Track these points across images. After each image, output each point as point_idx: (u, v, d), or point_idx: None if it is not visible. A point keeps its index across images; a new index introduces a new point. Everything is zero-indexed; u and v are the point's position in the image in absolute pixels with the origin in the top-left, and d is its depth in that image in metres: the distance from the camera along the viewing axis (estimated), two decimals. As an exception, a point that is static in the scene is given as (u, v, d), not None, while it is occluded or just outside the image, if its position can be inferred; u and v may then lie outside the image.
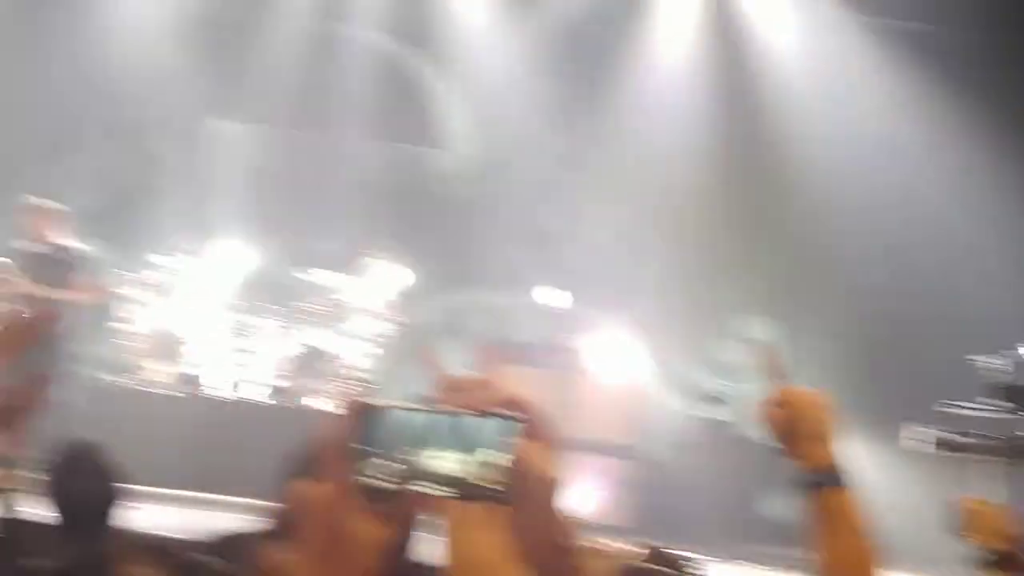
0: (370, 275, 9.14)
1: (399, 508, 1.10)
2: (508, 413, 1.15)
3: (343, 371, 8.62)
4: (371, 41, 11.29)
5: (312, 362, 8.65)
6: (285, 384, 8.52)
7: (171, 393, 8.37)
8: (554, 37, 10.94)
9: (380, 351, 8.95)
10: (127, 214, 11.04)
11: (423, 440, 1.09)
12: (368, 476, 1.09)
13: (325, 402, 8.45)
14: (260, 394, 8.52)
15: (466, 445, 1.08)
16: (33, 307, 6.81)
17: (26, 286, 7.03)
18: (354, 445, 1.09)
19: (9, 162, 11.03)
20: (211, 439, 7.78)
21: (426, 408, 1.10)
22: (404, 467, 1.12)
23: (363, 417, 1.12)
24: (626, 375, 9.33)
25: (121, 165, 11.35)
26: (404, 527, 1.13)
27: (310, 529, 1.10)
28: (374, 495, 1.12)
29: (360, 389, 8.59)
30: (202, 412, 8.10)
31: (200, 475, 7.35)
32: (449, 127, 11.49)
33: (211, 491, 6.99)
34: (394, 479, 1.09)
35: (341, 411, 1.13)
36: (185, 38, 10.94)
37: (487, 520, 1.09)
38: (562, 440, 1.24)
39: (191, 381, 8.42)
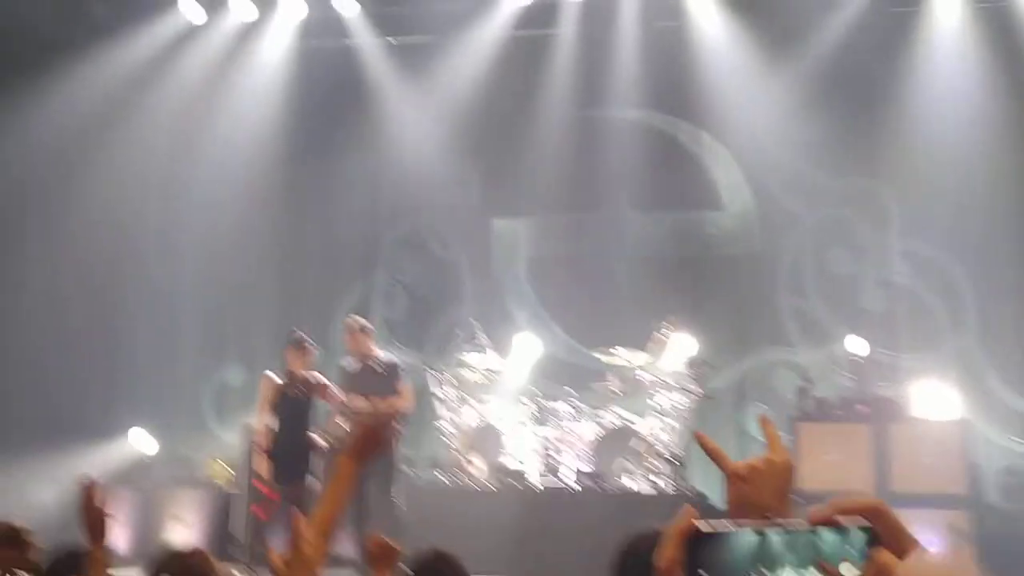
0: (665, 348, 9.07)
1: None
2: (861, 523, 1.05)
3: (650, 448, 8.56)
4: (632, 118, 11.42)
5: (617, 442, 8.67)
6: (593, 468, 8.59)
7: (489, 487, 8.67)
8: (817, 74, 10.56)
9: (683, 424, 8.82)
10: (431, 318, 11.73)
11: (769, 560, 1.02)
12: None
13: (635, 482, 8.43)
14: (570, 479, 8.63)
15: (818, 560, 1.00)
16: (369, 421, 7.30)
17: (359, 401, 7.57)
18: (692, 571, 1.02)
19: (322, 282, 12.10)
20: (529, 528, 7.94)
21: (769, 527, 1.02)
22: None
23: (698, 541, 1.06)
24: (947, 419, 8.64)
25: (418, 273, 12.09)
26: None
27: None
28: None
29: (672, 465, 8.50)
30: (519, 502, 8.30)
31: (525, 565, 7.53)
32: (723, 186, 11.35)
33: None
34: None
35: (673, 536, 1.07)
36: (459, 143, 11.57)
37: None
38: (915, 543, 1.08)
39: (506, 472, 8.68)
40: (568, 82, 11.43)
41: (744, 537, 1.02)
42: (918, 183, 10.39)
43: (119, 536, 9.10)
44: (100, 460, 10.64)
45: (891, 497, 8.17)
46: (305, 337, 7.84)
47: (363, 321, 8.41)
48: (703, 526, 1.04)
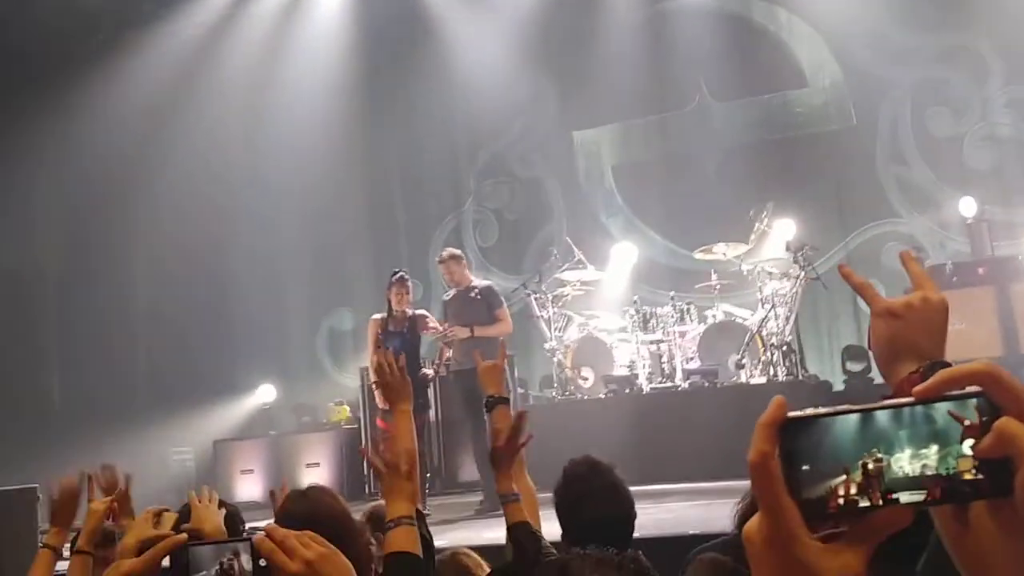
0: (766, 236, 8.86)
1: (863, 532, 0.96)
2: (973, 390, 0.89)
3: (760, 339, 8.42)
4: (703, 6, 11.06)
5: (726, 337, 8.55)
6: (702, 365, 8.50)
7: (600, 396, 8.69)
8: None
9: (793, 311, 8.64)
10: (524, 242, 11.72)
11: (879, 442, 0.93)
12: (819, 497, 0.92)
13: (749, 374, 8.33)
14: (680, 379, 8.57)
15: (933, 437, 0.88)
16: (470, 348, 7.35)
17: (460, 330, 7.63)
18: (790, 464, 0.93)
19: (414, 221, 12.21)
20: (645, 431, 7.93)
21: (872, 406, 0.89)
22: (861, 480, 0.90)
23: (793, 430, 0.92)
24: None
25: (505, 198, 12.06)
26: (869, 553, 0.91)
27: (763, 571, 0.91)
28: (827, 521, 0.91)
29: (785, 353, 8.35)
30: (632, 408, 8.29)
31: (644, 468, 7.52)
32: (806, 62, 10.93)
33: (656, 482, 7.10)
34: (855, 496, 0.91)
35: (764, 427, 0.92)
36: (529, 60, 11.40)
37: (999, 519, 0.87)
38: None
39: (616, 380, 8.68)
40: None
41: (846, 420, 0.91)
42: (1016, 28, 9.81)
43: (254, 484, 9.47)
44: (230, 415, 11.07)
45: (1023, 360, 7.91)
46: (405, 275, 7.90)
47: (453, 250, 8.43)
48: (797, 413, 0.92)
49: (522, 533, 2.67)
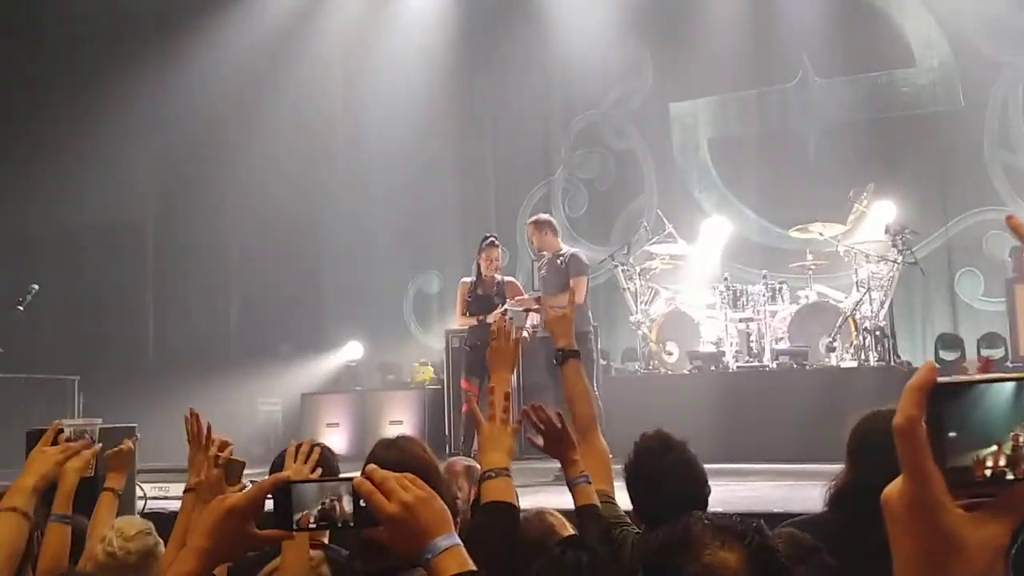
0: (864, 218, 8.66)
1: (1010, 504, 0.88)
2: None
3: (853, 322, 8.25)
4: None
5: (818, 318, 8.41)
6: (791, 345, 8.38)
7: (685, 372, 8.64)
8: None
9: (888, 295, 8.45)
10: (613, 213, 11.67)
11: None
12: (965, 466, 0.90)
13: (839, 357, 8.18)
14: (770, 359, 8.46)
15: None
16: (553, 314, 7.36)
17: (548, 299, 7.63)
18: (938, 431, 0.91)
19: (504, 187, 12.23)
20: (727, 409, 7.86)
21: None
22: (1011, 451, 0.87)
23: (943, 396, 0.89)
24: None
25: (597, 168, 12.00)
26: (1014, 526, 0.88)
27: (904, 538, 0.90)
28: (971, 490, 0.89)
29: (878, 338, 8.19)
30: (716, 385, 8.22)
31: (727, 447, 7.47)
32: (915, 41, 10.61)
33: (740, 461, 7.04)
34: (1004, 468, 0.88)
35: (913, 391, 0.89)
36: (627, 30, 11.29)
37: None
38: None
39: (701, 356, 8.61)
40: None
41: (1000, 389, 0.88)
42: None
43: (340, 437, 9.66)
44: (318, 370, 11.29)
45: None
46: (495, 240, 7.92)
47: (544, 216, 8.42)
48: (949, 379, 0.90)
49: (587, 517, 2.62)
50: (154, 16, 12.10)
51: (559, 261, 7.86)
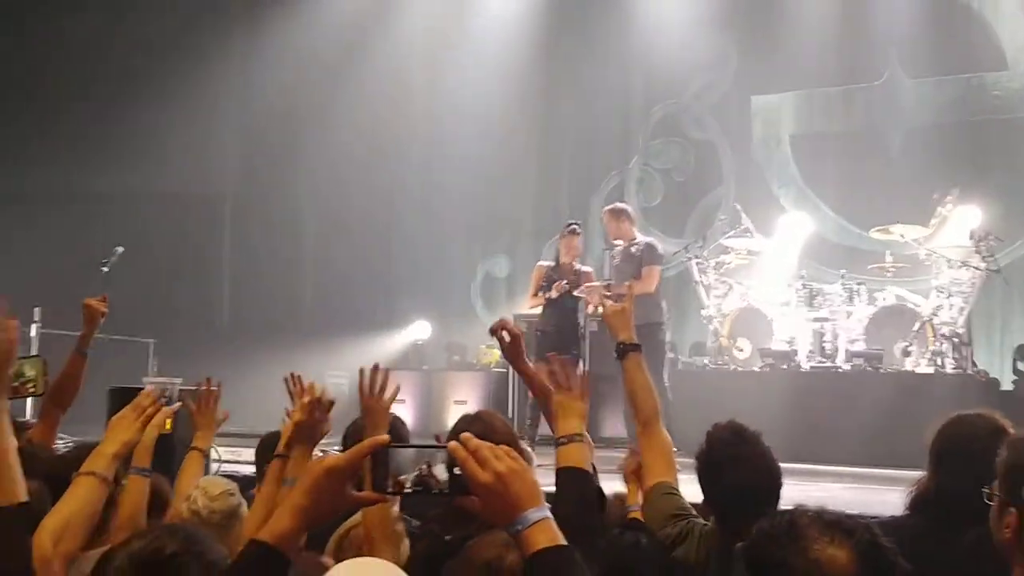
0: (947, 222, 8.46)
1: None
2: None
3: (931, 328, 8.08)
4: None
5: (895, 322, 8.25)
6: (866, 348, 8.23)
7: (755, 369, 8.55)
8: None
9: (968, 302, 8.26)
10: (689, 204, 11.57)
11: None
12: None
13: (916, 363, 8.02)
14: (844, 361, 8.33)
15: None
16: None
17: (597, 289, 7.60)
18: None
19: (579, 174, 12.20)
20: (797, 408, 7.75)
21: None
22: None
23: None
24: None
25: (674, 159, 11.90)
26: None
27: None
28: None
29: (955, 345, 8.01)
30: (787, 384, 8.11)
31: (794, 444, 7.37)
32: (1008, 44, 10.32)
33: (809, 461, 6.94)
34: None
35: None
36: (712, 18, 11.16)
37: None
38: None
39: (773, 354, 8.50)
40: (830, -56, 10.68)
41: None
42: None
43: (406, 414, 9.75)
44: (385, 348, 11.40)
45: None
46: (577, 228, 7.92)
47: (621, 204, 8.41)
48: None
49: (569, 477, 2.51)
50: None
51: (633, 249, 7.83)
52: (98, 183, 11.73)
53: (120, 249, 8.21)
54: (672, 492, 2.95)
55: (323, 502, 1.53)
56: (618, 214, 8.07)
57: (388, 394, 2.79)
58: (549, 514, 1.50)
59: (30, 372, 2.96)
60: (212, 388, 3.55)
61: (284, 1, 11.98)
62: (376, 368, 2.82)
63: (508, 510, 1.47)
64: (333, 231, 12.48)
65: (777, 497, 2.74)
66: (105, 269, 8.01)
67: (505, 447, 1.53)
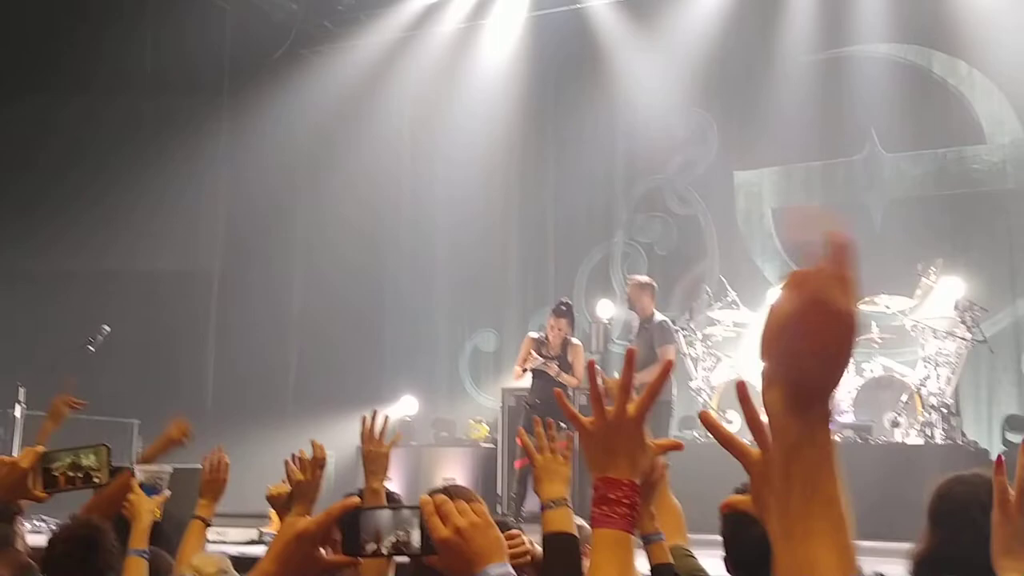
0: (931, 293, 8.54)
1: None
2: None
3: (919, 399, 8.10)
4: (879, 53, 10.80)
5: (883, 393, 8.27)
6: (855, 419, 8.23)
7: (746, 442, 8.49)
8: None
9: (954, 372, 8.29)
10: (673, 278, 11.63)
11: None
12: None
13: (904, 433, 8.02)
14: (834, 432, 8.30)
15: None
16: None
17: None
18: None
19: (563, 248, 12.27)
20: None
21: None
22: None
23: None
24: None
25: (658, 233, 12.00)
26: None
27: None
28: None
29: (944, 415, 8.02)
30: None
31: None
32: (985, 118, 10.53)
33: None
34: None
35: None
36: (694, 96, 11.36)
37: None
38: None
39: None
40: (807, 23, 10.94)
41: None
42: None
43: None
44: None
45: None
46: (563, 307, 8.01)
47: (646, 279, 8.54)
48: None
49: (556, 542, 2.45)
50: (229, 70, 12.44)
51: (647, 326, 7.98)
52: (83, 261, 11.71)
53: (107, 328, 8.18)
54: (687, 554, 2.92)
55: (292, 566, 1.50)
56: (643, 287, 8.25)
57: (388, 440, 2.84)
58: (511, 571, 1.49)
59: (87, 462, 2.77)
60: (223, 456, 3.54)
61: (271, 75, 12.12)
62: (376, 413, 2.88)
63: (468, 565, 1.46)
64: (319, 307, 12.47)
65: None
66: (91, 349, 7.96)
67: (475, 505, 1.52)
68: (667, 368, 1.79)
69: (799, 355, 1.05)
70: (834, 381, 1.07)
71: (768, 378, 1.09)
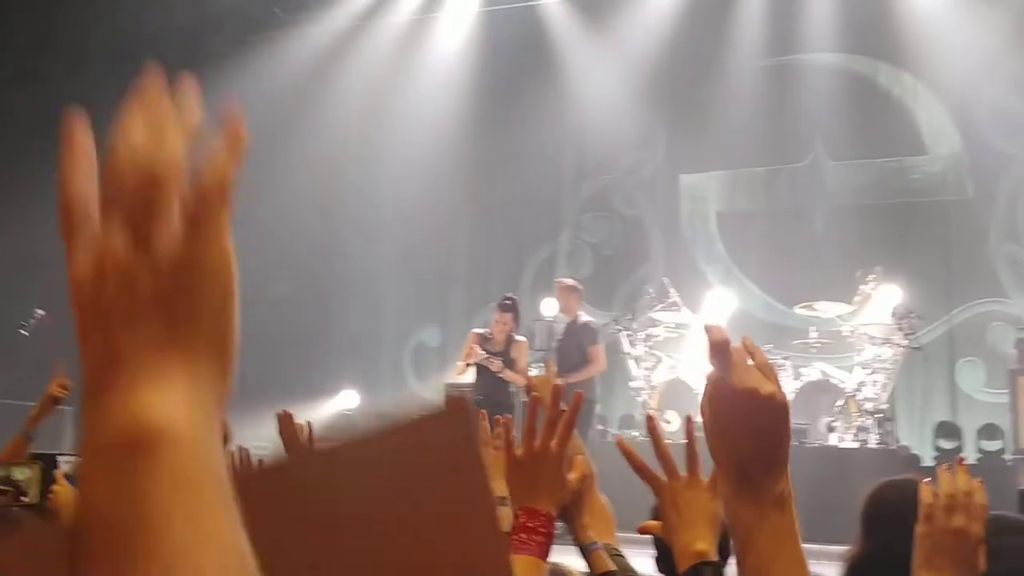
0: (869, 300, 8.69)
1: None
2: None
3: (854, 403, 8.24)
4: (826, 62, 10.96)
5: (819, 397, 8.39)
6: (792, 422, 8.34)
7: (683, 441, 8.57)
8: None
9: (890, 378, 8.44)
10: (617, 278, 11.70)
11: None
12: None
13: (840, 438, 8.15)
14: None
15: None
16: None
17: (550, 366, 7.71)
18: None
19: (510, 245, 12.27)
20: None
21: None
22: None
23: None
24: None
25: (604, 233, 12.06)
26: None
27: None
28: None
29: (878, 420, 8.16)
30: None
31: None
32: (927, 129, 10.74)
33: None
34: None
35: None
36: (644, 99, 11.42)
37: None
38: None
39: (701, 428, 8.56)
40: (756, 29, 11.06)
41: None
42: None
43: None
44: (310, 417, 11.19)
45: None
46: (508, 303, 8.01)
47: (573, 282, 8.60)
48: None
49: None
50: (176, 54, 12.23)
51: (576, 326, 8.04)
52: (26, 244, 11.42)
53: (41, 312, 8.00)
54: (617, 554, 2.91)
55: None
56: (571, 290, 8.33)
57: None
58: None
59: (20, 476, 2.55)
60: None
61: (217, 61, 11.93)
62: (288, 414, 2.76)
63: None
64: (261, 299, 12.31)
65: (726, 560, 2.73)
66: (24, 332, 7.78)
67: None
68: (578, 402, 1.83)
69: (738, 443, 1.12)
70: (776, 462, 1.13)
71: (718, 470, 1.16)
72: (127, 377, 0.55)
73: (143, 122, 0.58)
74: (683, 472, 1.79)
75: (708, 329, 1.08)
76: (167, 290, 0.57)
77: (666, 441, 1.86)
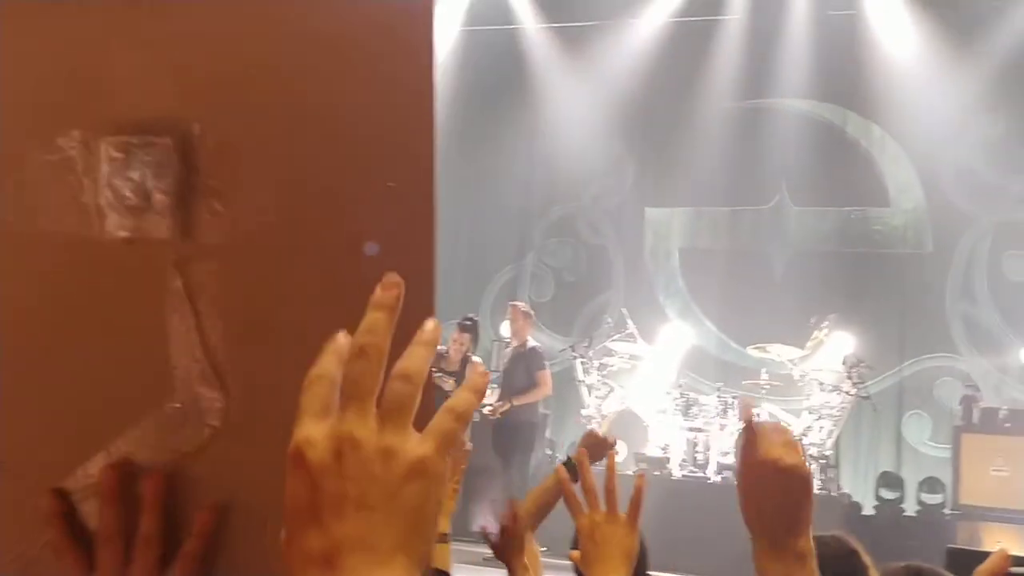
0: (822, 346, 8.77)
1: None
2: None
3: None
4: (798, 108, 11.09)
5: (765, 438, 8.43)
6: (735, 461, 8.38)
7: (629, 472, 8.58)
8: (999, 69, 9.99)
9: (836, 425, 8.51)
10: (578, 304, 11.71)
11: None
12: None
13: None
14: (711, 471, 8.46)
15: None
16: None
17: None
18: None
19: (474, 265, 12.25)
20: (668, 518, 7.79)
21: None
22: None
23: None
24: None
25: (567, 259, 12.08)
26: None
27: None
28: None
29: (821, 466, 8.22)
30: (658, 490, 8.15)
31: (658, 554, 7.37)
32: (892, 182, 10.88)
33: (671, 571, 6.96)
34: None
35: None
36: (617, 130, 11.48)
37: None
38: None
39: (646, 459, 8.58)
40: (732, 71, 11.16)
41: None
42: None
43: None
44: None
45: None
46: (467, 323, 8.04)
47: (526, 306, 8.65)
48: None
49: None
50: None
51: (523, 351, 8.06)
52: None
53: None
54: None
55: None
56: (524, 315, 8.37)
57: None
58: None
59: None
60: None
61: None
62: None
63: None
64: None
65: None
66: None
67: None
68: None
69: (764, 507, 1.29)
70: (799, 523, 1.28)
71: (752, 533, 1.31)
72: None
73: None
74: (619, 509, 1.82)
75: (739, 404, 1.23)
76: (399, 494, 0.60)
77: (618, 474, 1.88)
